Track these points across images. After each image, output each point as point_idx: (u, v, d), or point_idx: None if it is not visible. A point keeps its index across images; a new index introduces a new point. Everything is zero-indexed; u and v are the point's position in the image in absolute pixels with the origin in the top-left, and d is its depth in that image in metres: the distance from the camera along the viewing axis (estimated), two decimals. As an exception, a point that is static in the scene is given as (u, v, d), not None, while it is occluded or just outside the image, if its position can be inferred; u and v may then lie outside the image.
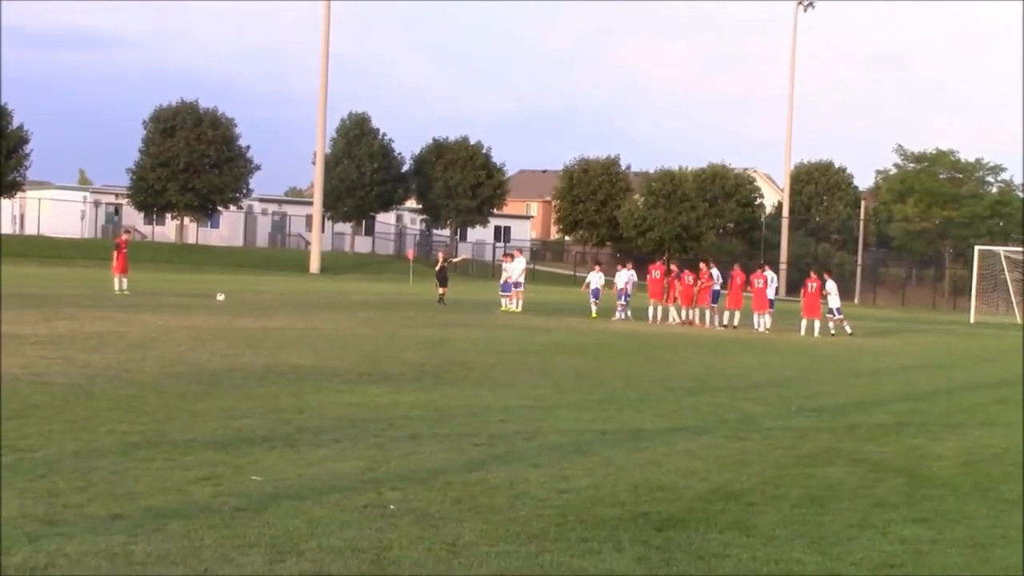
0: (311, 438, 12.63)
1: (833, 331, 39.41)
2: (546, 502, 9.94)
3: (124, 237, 49.16)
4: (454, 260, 54.25)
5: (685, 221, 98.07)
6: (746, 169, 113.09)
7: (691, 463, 12.24)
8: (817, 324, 38.75)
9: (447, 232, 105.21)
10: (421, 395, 17.01)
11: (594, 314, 42.05)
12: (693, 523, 9.41)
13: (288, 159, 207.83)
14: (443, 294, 47.21)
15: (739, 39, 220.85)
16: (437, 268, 49.62)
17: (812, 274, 41.31)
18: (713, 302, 41.45)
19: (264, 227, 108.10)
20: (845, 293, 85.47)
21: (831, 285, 40.38)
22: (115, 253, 46.13)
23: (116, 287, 44.14)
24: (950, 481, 11.97)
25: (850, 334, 39.15)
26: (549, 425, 14.61)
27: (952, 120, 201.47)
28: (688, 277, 41.18)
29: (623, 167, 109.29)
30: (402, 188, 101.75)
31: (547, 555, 8.20)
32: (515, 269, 45.71)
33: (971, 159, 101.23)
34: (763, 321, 39.72)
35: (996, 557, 8.83)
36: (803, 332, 38.55)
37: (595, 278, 44.00)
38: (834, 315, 39.99)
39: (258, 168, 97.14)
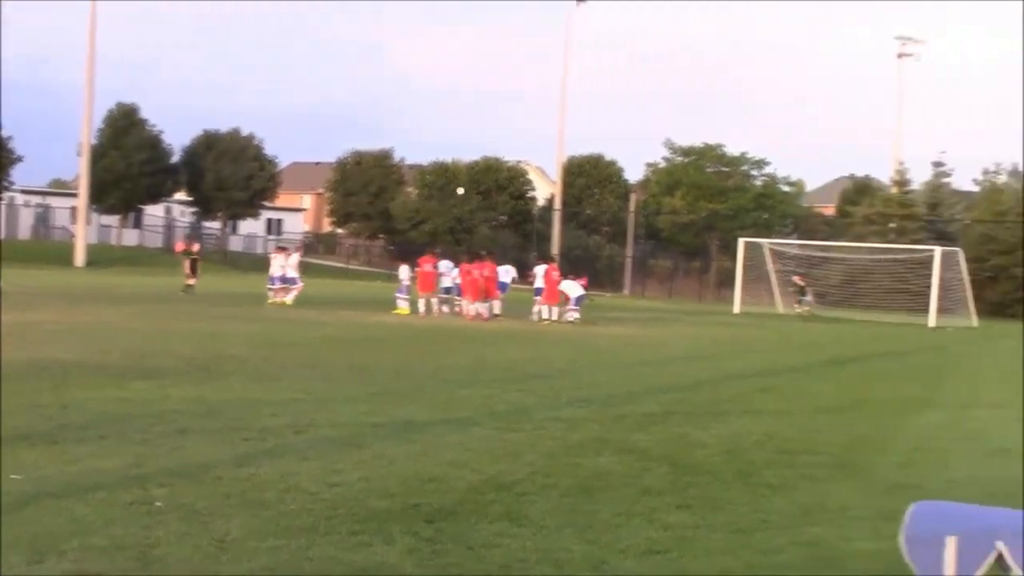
0: (74, 434, 12.31)
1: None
2: (317, 496, 9.87)
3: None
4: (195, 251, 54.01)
5: (458, 214, 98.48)
6: (519, 162, 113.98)
7: (462, 454, 12.29)
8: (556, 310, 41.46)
9: (218, 224, 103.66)
10: (190, 389, 16.73)
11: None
12: (464, 514, 9.44)
13: (52, 150, 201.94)
14: (191, 285, 47.29)
15: (514, 33, 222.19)
16: (188, 257, 49.55)
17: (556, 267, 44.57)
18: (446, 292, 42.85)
19: (26, 219, 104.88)
20: (615, 285, 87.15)
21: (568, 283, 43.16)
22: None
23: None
24: (714, 468, 12.26)
25: (571, 322, 41.10)
26: (321, 418, 14.51)
27: (719, 114, 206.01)
28: (476, 271, 41.49)
29: (397, 159, 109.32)
30: (171, 180, 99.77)
31: (317, 549, 8.15)
32: (288, 264, 45.63)
33: (737, 153, 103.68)
34: (553, 312, 41.35)
35: (756, 541, 9.06)
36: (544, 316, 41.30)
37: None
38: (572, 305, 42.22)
39: (20, 159, 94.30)
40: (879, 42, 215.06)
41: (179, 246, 55.46)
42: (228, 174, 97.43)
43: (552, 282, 41.67)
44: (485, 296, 41.17)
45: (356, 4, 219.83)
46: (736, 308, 63.58)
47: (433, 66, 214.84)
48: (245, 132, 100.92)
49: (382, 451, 12.23)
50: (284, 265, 45.62)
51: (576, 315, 41.53)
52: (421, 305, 41.69)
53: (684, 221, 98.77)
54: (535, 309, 41.80)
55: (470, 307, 41.15)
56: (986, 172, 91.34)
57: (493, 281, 41.50)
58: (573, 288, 42.23)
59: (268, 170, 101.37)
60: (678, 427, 15.40)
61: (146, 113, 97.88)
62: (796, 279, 63.30)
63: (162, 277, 63.00)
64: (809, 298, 62.49)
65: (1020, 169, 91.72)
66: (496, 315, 40.94)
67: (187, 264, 49.44)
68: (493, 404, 16.91)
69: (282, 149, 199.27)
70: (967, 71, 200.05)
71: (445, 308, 42.19)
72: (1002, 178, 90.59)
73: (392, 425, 14.30)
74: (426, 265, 42.75)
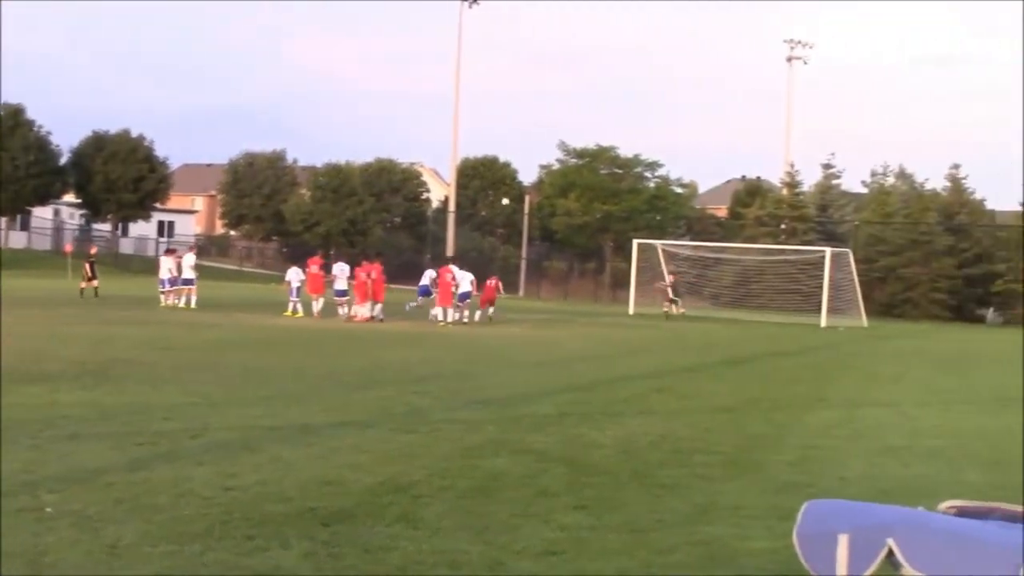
0: (-37, 441, 12.09)
1: (465, 320, 42.32)
2: (211, 500, 9.78)
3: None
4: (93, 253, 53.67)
5: (352, 216, 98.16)
6: (413, 164, 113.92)
7: (359, 457, 12.24)
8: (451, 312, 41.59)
9: (108, 227, 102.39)
10: (82, 394, 16.51)
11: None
12: (361, 517, 9.40)
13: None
14: (90, 287, 47.16)
15: (407, 34, 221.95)
16: (87, 260, 49.59)
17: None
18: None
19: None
20: (510, 286, 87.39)
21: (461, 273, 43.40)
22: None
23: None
24: (610, 468, 12.31)
25: (463, 321, 41.89)
26: (216, 422, 14.38)
27: (612, 117, 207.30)
28: (363, 273, 41.46)
29: (290, 161, 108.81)
30: (60, 182, 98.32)
31: (212, 554, 8.06)
32: (184, 264, 45.36)
33: (630, 155, 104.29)
34: (449, 314, 41.42)
35: (652, 540, 9.11)
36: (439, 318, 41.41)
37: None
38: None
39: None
40: (769, 45, 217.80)
41: (68, 248, 55.09)
42: (118, 176, 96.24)
43: (446, 284, 41.69)
44: (373, 298, 41.16)
45: (248, 4, 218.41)
46: (631, 309, 63.95)
47: (326, 67, 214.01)
48: (135, 133, 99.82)
49: (278, 454, 12.14)
50: (172, 268, 45.36)
51: (456, 314, 41.44)
52: (314, 307, 41.55)
53: (578, 223, 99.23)
54: (432, 311, 41.94)
55: (358, 309, 41.12)
56: (874, 174, 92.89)
57: (380, 283, 41.43)
58: (463, 281, 42.20)
59: (159, 171, 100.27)
60: (574, 428, 15.45)
61: (33, 114, 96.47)
62: (670, 277, 63.59)
63: (51, 280, 62.12)
64: (668, 290, 62.79)
65: (907, 171, 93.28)
66: (375, 317, 40.83)
67: (87, 267, 49.21)
68: (389, 406, 16.86)
69: (173, 150, 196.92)
70: (855, 73, 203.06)
71: (342, 310, 42.00)
72: (890, 180, 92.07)
73: (288, 428, 14.21)
74: (313, 267, 42.71)
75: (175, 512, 9.27)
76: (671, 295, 61.55)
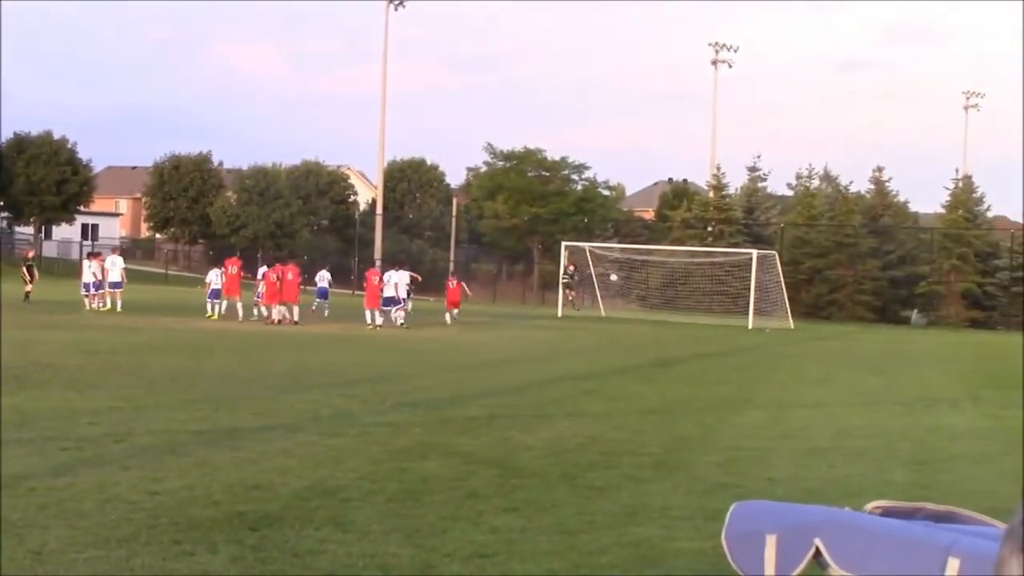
0: None
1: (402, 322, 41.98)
2: (137, 505, 9.69)
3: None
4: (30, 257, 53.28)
5: (279, 218, 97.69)
6: (340, 166, 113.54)
7: (286, 461, 12.18)
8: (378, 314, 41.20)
9: (30, 230, 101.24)
10: (3, 399, 16.29)
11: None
12: (289, 521, 9.35)
13: None
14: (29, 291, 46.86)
15: (333, 36, 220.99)
16: (26, 264, 49.34)
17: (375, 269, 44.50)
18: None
19: None
20: (438, 289, 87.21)
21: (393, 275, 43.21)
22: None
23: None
24: (539, 471, 12.32)
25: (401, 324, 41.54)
26: (141, 426, 14.26)
27: (538, 120, 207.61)
28: (274, 275, 41.12)
29: (216, 163, 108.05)
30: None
31: (138, 559, 7.99)
32: (111, 267, 44.91)
33: (557, 158, 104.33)
34: (377, 316, 41.20)
35: (582, 542, 9.13)
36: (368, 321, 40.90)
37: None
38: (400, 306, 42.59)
39: None
40: (695, 47, 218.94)
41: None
42: (40, 178, 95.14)
43: (373, 287, 41.54)
44: (283, 300, 40.85)
45: (173, 4, 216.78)
46: (559, 311, 64.03)
47: (252, 68, 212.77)
48: (58, 135, 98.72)
49: (205, 459, 12.06)
50: (95, 272, 44.92)
51: (381, 318, 41.17)
52: (223, 307, 41.30)
53: (506, 225, 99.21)
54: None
55: (270, 311, 40.92)
56: (799, 176, 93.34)
57: (292, 285, 41.07)
58: (388, 285, 41.95)
59: (82, 174, 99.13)
60: (503, 430, 15.45)
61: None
62: (571, 267, 64.12)
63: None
64: (576, 280, 63.30)
65: (832, 174, 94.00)
66: (295, 321, 40.57)
67: (25, 271, 48.85)
68: (317, 409, 16.80)
69: (97, 153, 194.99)
70: (780, 76, 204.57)
71: (270, 313, 41.70)
72: (815, 183, 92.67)
73: (214, 432, 14.12)
74: (232, 267, 42.39)
75: (101, 517, 9.18)
76: (567, 281, 62.29)
